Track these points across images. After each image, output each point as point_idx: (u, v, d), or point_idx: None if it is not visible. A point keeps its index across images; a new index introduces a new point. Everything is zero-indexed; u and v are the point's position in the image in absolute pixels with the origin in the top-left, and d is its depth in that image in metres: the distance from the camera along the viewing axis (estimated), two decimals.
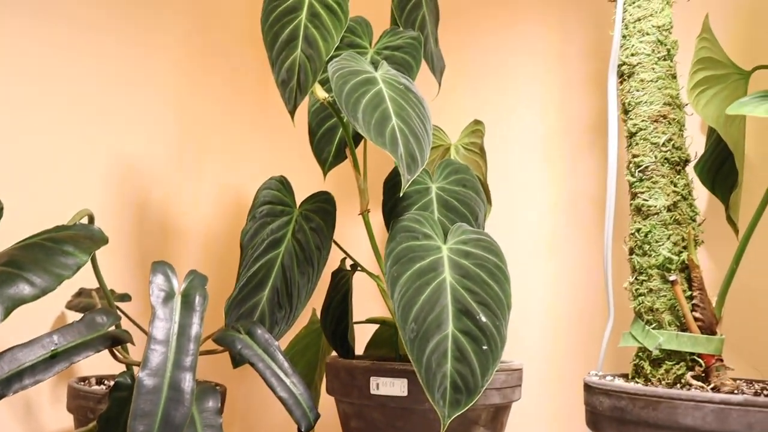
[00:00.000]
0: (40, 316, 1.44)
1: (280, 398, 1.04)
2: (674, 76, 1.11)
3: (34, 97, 1.48)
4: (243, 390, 1.84)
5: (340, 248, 1.38)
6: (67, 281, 0.87)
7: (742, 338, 1.22)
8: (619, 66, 1.15)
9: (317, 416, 1.06)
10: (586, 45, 1.54)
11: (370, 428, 1.22)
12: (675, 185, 1.07)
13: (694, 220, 1.07)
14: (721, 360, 0.99)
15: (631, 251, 1.09)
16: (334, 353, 1.40)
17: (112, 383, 1.09)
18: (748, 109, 0.93)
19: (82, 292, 1.44)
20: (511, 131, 1.62)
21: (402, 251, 1.12)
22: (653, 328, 1.04)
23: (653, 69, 1.10)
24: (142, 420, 0.84)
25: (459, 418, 1.01)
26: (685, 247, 1.04)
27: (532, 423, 1.51)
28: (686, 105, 1.12)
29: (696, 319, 1.01)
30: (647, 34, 1.12)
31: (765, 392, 0.97)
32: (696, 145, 1.14)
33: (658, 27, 1.11)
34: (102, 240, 0.97)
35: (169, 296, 0.97)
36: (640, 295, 1.07)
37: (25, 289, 0.83)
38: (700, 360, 1.00)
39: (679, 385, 1.00)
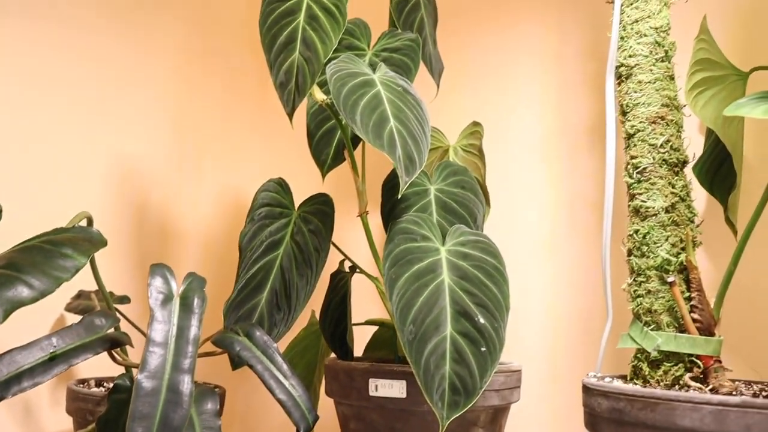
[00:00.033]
0: (39, 319, 1.44)
1: (279, 400, 1.04)
2: (672, 78, 1.11)
3: (34, 99, 1.49)
4: (242, 392, 1.84)
5: (339, 250, 1.38)
6: (66, 283, 0.87)
7: (741, 339, 1.22)
8: (617, 67, 1.15)
9: (316, 418, 1.06)
10: (583, 46, 1.55)
11: (369, 430, 1.22)
12: (673, 186, 1.07)
13: (693, 222, 1.07)
14: (720, 361, 0.99)
15: (630, 252, 1.09)
16: (333, 355, 1.40)
17: (111, 385, 1.09)
18: (746, 110, 0.93)
19: (81, 295, 1.44)
20: (510, 132, 1.62)
21: (400, 253, 1.13)
22: (652, 330, 1.04)
23: (651, 70, 1.10)
24: (140, 422, 0.84)
25: (458, 420, 1.01)
26: (683, 249, 1.04)
27: (531, 424, 1.51)
28: (684, 106, 1.12)
29: (694, 321, 1.01)
30: (645, 35, 1.12)
31: (763, 393, 0.97)
32: (694, 147, 1.14)
33: (656, 28, 1.11)
34: (101, 242, 0.97)
35: (167, 298, 0.97)
36: (639, 296, 1.07)
37: (23, 291, 0.83)
38: (698, 361, 1.00)
39: (677, 387, 1.00)
